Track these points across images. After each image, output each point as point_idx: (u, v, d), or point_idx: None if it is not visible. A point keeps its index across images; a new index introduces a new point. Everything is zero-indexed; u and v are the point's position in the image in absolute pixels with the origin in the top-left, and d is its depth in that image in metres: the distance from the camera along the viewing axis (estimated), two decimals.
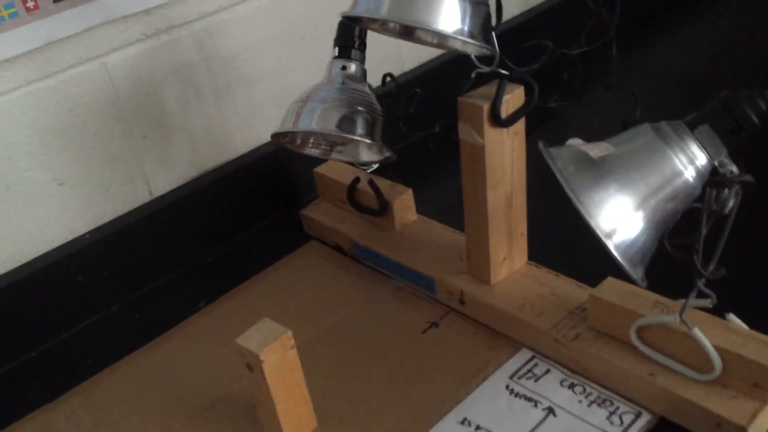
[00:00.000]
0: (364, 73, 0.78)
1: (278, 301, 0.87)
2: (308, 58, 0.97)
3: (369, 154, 0.83)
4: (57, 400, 0.78)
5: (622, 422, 0.67)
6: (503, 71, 0.70)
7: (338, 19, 0.74)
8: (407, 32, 0.72)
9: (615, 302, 0.69)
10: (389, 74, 0.86)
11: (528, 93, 0.71)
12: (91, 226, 0.88)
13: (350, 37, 0.76)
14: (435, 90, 0.93)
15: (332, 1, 0.76)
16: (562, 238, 0.87)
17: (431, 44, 0.75)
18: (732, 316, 0.66)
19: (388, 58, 1.08)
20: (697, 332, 0.64)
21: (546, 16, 1.25)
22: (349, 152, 0.84)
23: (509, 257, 0.80)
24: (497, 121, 0.70)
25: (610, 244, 0.53)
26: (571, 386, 0.71)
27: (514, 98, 0.71)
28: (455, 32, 0.60)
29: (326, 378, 0.75)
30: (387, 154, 0.79)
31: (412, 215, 0.91)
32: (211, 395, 0.75)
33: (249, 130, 0.98)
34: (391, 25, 0.73)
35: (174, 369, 0.80)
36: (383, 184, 0.91)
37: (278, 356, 0.64)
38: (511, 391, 0.71)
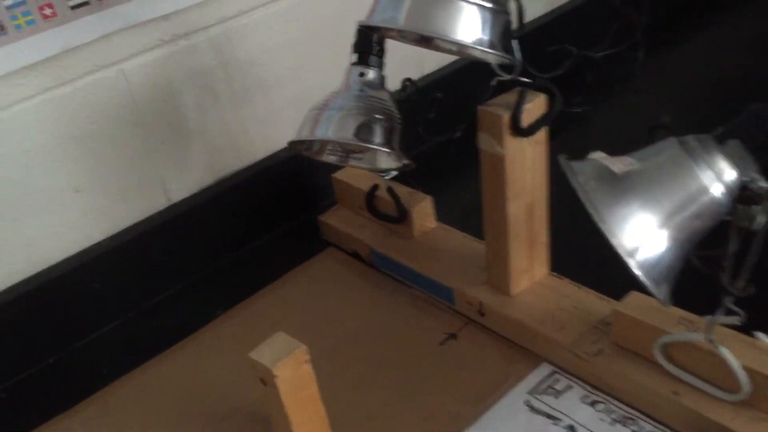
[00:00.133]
0: (382, 79, 0.77)
1: (295, 309, 0.86)
2: (327, 62, 0.96)
3: (387, 161, 0.82)
4: (74, 408, 0.78)
5: None
6: (525, 79, 0.68)
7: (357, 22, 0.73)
8: (425, 40, 0.70)
9: (639, 318, 0.67)
10: (409, 79, 0.85)
11: (550, 101, 0.70)
12: (109, 233, 0.88)
13: (368, 43, 0.75)
14: (456, 93, 0.91)
15: (351, 5, 0.75)
16: (586, 247, 0.84)
17: (450, 52, 0.73)
18: (761, 335, 0.63)
19: (408, 60, 1.06)
20: (725, 351, 0.61)
21: (570, 17, 1.22)
22: (367, 159, 0.82)
23: (530, 268, 0.78)
24: (518, 130, 0.68)
25: (633, 263, 0.51)
26: (593, 403, 0.69)
27: (535, 107, 0.69)
28: (474, 42, 0.58)
29: (342, 390, 0.74)
30: (405, 161, 0.78)
31: (431, 223, 0.89)
32: (226, 406, 0.75)
33: (267, 135, 0.97)
34: (409, 33, 0.71)
35: (189, 379, 0.79)
36: (402, 191, 0.89)
37: (292, 371, 0.63)
38: (531, 408, 0.69)
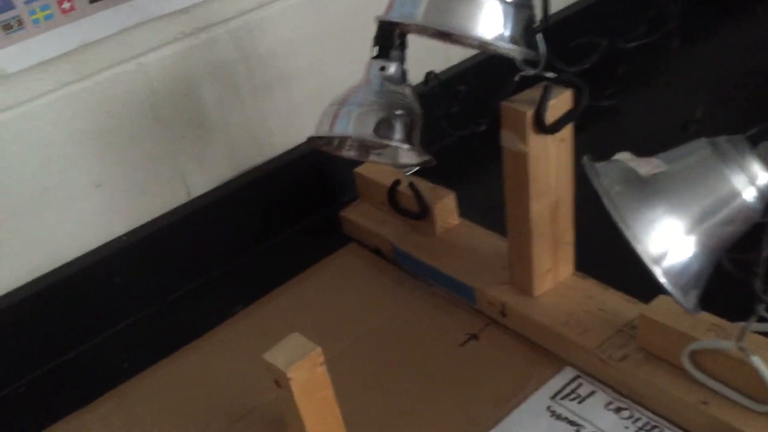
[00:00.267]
0: (403, 73, 0.75)
1: (315, 307, 0.85)
2: (349, 56, 0.94)
3: (407, 157, 0.80)
4: (92, 404, 0.78)
5: None
6: (549, 74, 0.66)
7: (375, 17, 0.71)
8: (445, 35, 0.68)
9: (667, 323, 0.64)
10: (432, 72, 0.83)
11: (577, 97, 0.67)
12: (129, 228, 0.88)
13: (389, 37, 0.73)
14: (482, 85, 0.88)
15: None
16: (615, 246, 0.81)
17: (471, 46, 0.71)
18: None
19: (433, 51, 1.04)
20: (756, 360, 0.59)
21: (599, 6, 1.18)
22: (387, 155, 0.81)
23: (554, 268, 0.76)
24: (542, 127, 0.66)
25: (658, 271, 0.49)
26: (618, 410, 0.67)
27: (560, 102, 0.67)
28: (495, 38, 0.56)
29: (360, 391, 0.73)
30: (425, 157, 0.76)
31: (453, 219, 0.88)
32: (242, 406, 0.74)
33: (288, 128, 0.95)
34: (428, 29, 0.69)
35: (207, 376, 0.78)
36: (424, 186, 0.87)
37: (306, 373, 0.62)
38: (553, 413, 0.67)
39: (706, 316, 0.64)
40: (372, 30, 0.73)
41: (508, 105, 0.67)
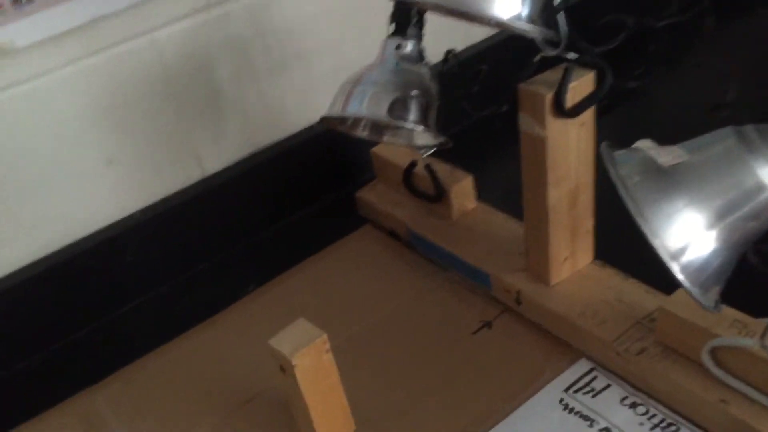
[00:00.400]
0: (420, 52, 0.72)
1: (327, 289, 0.84)
2: (369, 33, 0.90)
3: (423, 138, 0.78)
4: (101, 382, 0.77)
5: None
6: (571, 55, 0.63)
7: None
8: (461, 14, 0.65)
9: (687, 318, 0.62)
10: (451, 50, 0.80)
11: (599, 79, 0.64)
12: (142, 205, 0.87)
13: (406, 14, 0.70)
14: (504, 65, 0.86)
15: None
16: (637, 234, 0.79)
17: (489, 25, 0.68)
18: None
19: (454, 28, 0.99)
20: None
21: None
22: (402, 136, 0.78)
23: (572, 256, 0.73)
24: (561, 111, 0.63)
25: (676, 267, 0.46)
26: (633, 405, 0.64)
27: (582, 85, 0.64)
28: (512, 18, 0.53)
29: (369, 378, 0.72)
30: (442, 140, 0.74)
31: (471, 203, 0.85)
32: (251, 388, 0.73)
33: (305, 106, 0.93)
34: (442, 8, 0.66)
35: (217, 357, 0.78)
36: (442, 168, 0.85)
37: (312, 360, 0.61)
38: (566, 407, 0.65)
39: (729, 311, 0.61)
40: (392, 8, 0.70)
41: (526, 87, 0.64)
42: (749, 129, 0.48)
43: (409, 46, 0.71)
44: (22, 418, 0.75)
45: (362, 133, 0.78)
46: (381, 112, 0.69)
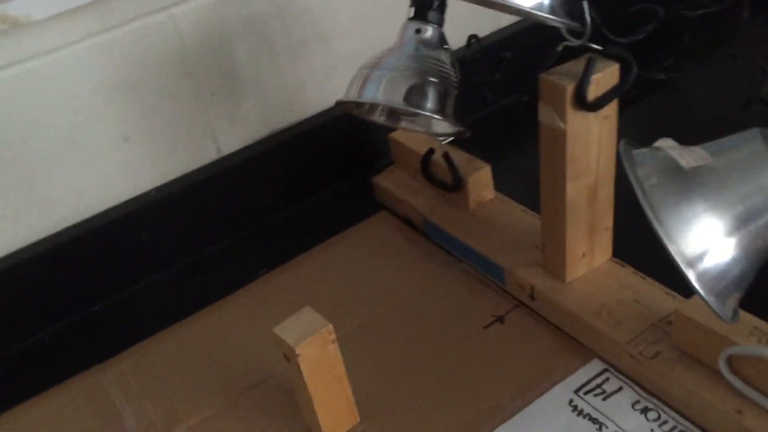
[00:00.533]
0: (441, 37, 0.70)
1: (339, 276, 0.83)
2: (392, 14, 0.89)
3: (441, 126, 0.76)
4: (110, 360, 0.77)
5: None
6: (595, 46, 0.60)
7: None
8: (482, 0, 0.63)
9: (705, 323, 0.59)
10: (474, 36, 0.78)
11: (624, 72, 0.61)
12: (157, 183, 0.86)
13: None
14: (528, 53, 0.83)
15: None
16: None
17: (510, 13, 0.65)
18: None
19: (483, 12, 0.98)
20: None
21: None
22: (420, 123, 0.76)
23: (589, 253, 0.71)
24: (583, 104, 0.61)
25: (692, 275, 0.44)
26: (645, 411, 0.63)
27: (605, 77, 0.61)
28: (533, 7, 0.51)
29: (375, 369, 0.70)
30: (460, 128, 0.72)
31: (488, 193, 0.83)
32: (258, 373, 0.72)
33: (323, 88, 0.92)
34: None
35: (226, 340, 0.77)
36: (460, 157, 0.83)
37: (316, 350, 0.60)
38: (574, 408, 0.64)
39: (749, 318, 0.59)
40: None
41: (547, 77, 0.62)
42: None
43: (429, 31, 0.69)
44: (31, 393, 0.75)
45: (379, 118, 0.76)
46: (397, 98, 0.67)
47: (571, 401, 0.64)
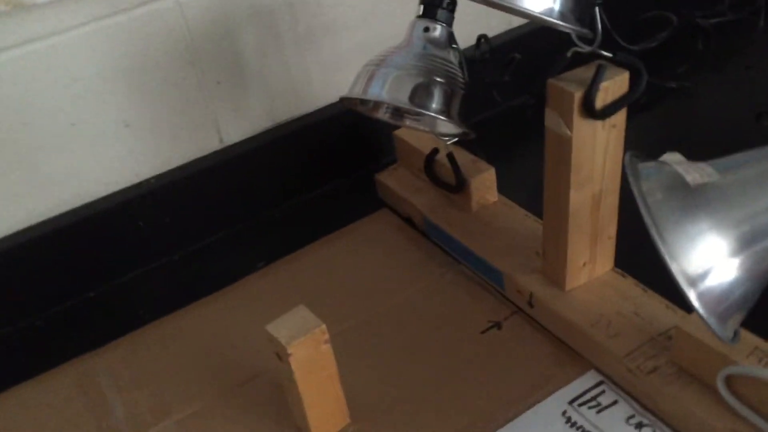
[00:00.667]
0: (449, 36, 0.69)
1: (337, 273, 0.82)
2: (400, 8, 0.88)
3: (445, 127, 0.75)
4: (102, 348, 0.77)
5: None
6: (606, 53, 0.59)
7: None
8: (492, 3, 0.62)
9: (705, 341, 0.58)
10: (483, 36, 0.77)
11: (634, 80, 0.60)
12: (157, 171, 0.85)
13: None
14: (539, 55, 0.81)
15: None
16: None
17: (520, 16, 0.64)
18: None
19: (492, 10, 0.97)
20: None
21: None
22: (425, 122, 0.76)
23: (591, 262, 0.70)
24: (590, 111, 0.60)
25: (692, 295, 0.43)
26: (639, 426, 0.62)
27: (615, 85, 0.60)
28: (543, 12, 0.50)
29: (368, 370, 0.70)
30: (464, 130, 0.70)
31: (492, 196, 0.82)
32: (251, 368, 0.72)
33: (330, 82, 0.91)
34: None
35: (219, 334, 0.76)
36: (464, 158, 0.82)
37: (309, 351, 0.59)
38: (568, 420, 0.63)
39: (751, 338, 0.58)
40: None
41: (555, 83, 0.60)
42: None
43: (438, 30, 0.68)
44: (21, 378, 0.74)
45: (383, 115, 0.75)
46: (402, 97, 0.66)
47: (564, 412, 0.63)
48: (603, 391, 0.65)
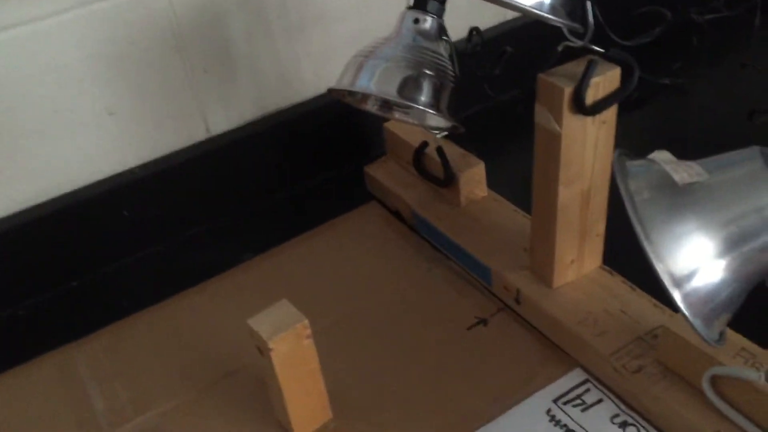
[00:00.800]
0: (440, 28, 0.68)
1: (323, 266, 0.81)
2: None
3: (436, 120, 0.74)
4: (84, 338, 0.76)
5: None
6: (597, 48, 0.58)
7: None
8: None
9: (691, 341, 0.58)
10: (475, 28, 0.75)
11: (625, 76, 0.59)
12: (142, 161, 0.84)
13: None
14: (532, 48, 0.80)
15: None
16: None
17: (511, 9, 0.63)
18: None
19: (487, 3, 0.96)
20: None
21: None
22: (414, 115, 0.74)
23: (579, 260, 0.69)
24: (580, 107, 0.59)
25: (678, 296, 0.42)
26: (624, 425, 0.61)
27: (606, 81, 0.59)
28: (533, 5, 0.49)
29: (352, 365, 0.69)
30: (454, 124, 0.69)
31: (481, 191, 0.81)
32: (233, 361, 0.71)
33: (320, 72, 0.90)
34: None
35: (202, 326, 0.75)
36: (454, 152, 0.81)
37: (290, 346, 0.58)
38: (552, 418, 0.62)
39: (737, 339, 0.57)
40: None
41: (545, 78, 0.59)
42: None
43: (428, 22, 0.67)
44: (2, 368, 0.73)
45: (371, 108, 0.74)
46: (390, 90, 0.65)
47: (549, 410, 0.63)
48: (588, 390, 0.64)
